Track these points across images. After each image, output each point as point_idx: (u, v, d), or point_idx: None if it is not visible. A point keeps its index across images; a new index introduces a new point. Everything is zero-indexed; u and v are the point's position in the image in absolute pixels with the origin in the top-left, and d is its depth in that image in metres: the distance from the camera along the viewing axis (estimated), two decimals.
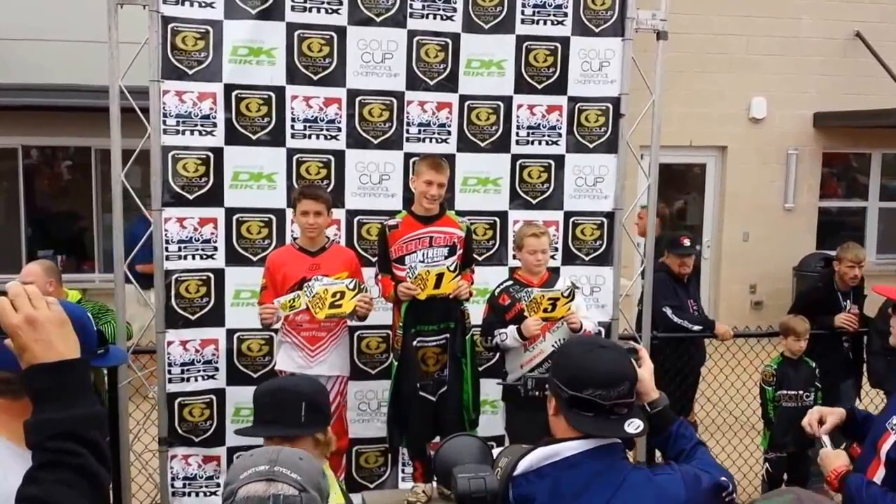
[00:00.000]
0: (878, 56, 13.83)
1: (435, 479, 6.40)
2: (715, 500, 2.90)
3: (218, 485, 6.52)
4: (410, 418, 6.12)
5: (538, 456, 2.85)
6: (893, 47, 14.12)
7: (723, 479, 2.94)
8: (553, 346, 6.05)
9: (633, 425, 2.85)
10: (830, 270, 8.26)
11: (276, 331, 6.25)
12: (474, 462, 2.83)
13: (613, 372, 2.87)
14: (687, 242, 8.15)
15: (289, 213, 6.49)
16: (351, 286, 5.95)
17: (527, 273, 6.31)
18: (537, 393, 3.16)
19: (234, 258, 6.49)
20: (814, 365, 7.60)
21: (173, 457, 6.48)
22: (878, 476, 3.46)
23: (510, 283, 6.35)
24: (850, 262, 7.93)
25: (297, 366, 6.11)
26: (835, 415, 3.89)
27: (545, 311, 6.05)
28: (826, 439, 3.76)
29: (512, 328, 6.10)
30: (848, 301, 7.98)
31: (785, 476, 7.70)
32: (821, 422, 3.87)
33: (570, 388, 2.85)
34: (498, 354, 6.58)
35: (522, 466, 2.84)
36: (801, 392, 7.47)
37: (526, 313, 6.04)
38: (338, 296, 5.92)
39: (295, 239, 6.32)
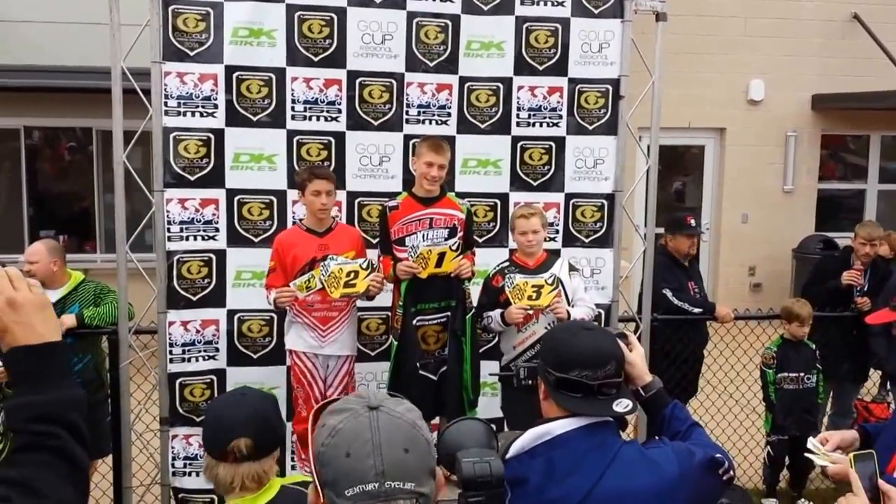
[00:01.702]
0: (877, 38, 13.82)
1: (437, 457, 6.43)
2: (710, 475, 2.89)
3: None
4: (411, 398, 6.12)
5: (530, 437, 2.86)
6: (891, 29, 14.11)
7: (717, 455, 2.92)
8: (546, 328, 6.05)
9: (622, 405, 2.86)
10: (849, 247, 8.33)
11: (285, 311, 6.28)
12: (479, 446, 2.83)
13: (599, 352, 2.88)
14: (693, 222, 8.17)
15: (290, 194, 6.51)
16: (364, 265, 5.98)
17: (521, 255, 6.34)
18: (529, 382, 3.16)
19: (235, 239, 6.51)
20: (814, 347, 7.62)
21: (174, 436, 6.51)
22: None
23: (506, 264, 6.37)
24: (863, 239, 7.96)
25: (307, 346, 6.16)
26: (846, 436, 3.69)
27: (530, 298, 6.04)
28: (822, 460, 3.57)
29: (497, 313, 6.13)
30: (864, 277, 8.00)
31: (787, 460, 7.73)
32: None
33: (558, 371, 2.86)
34: (496, 336, 6.62)
35: (515, 449, 2.86)
36: (802, 374, 7.49)
37: (510, 300, 6.07)
38: (352, 275, 5.96)
39: (301, 220, 6.35)
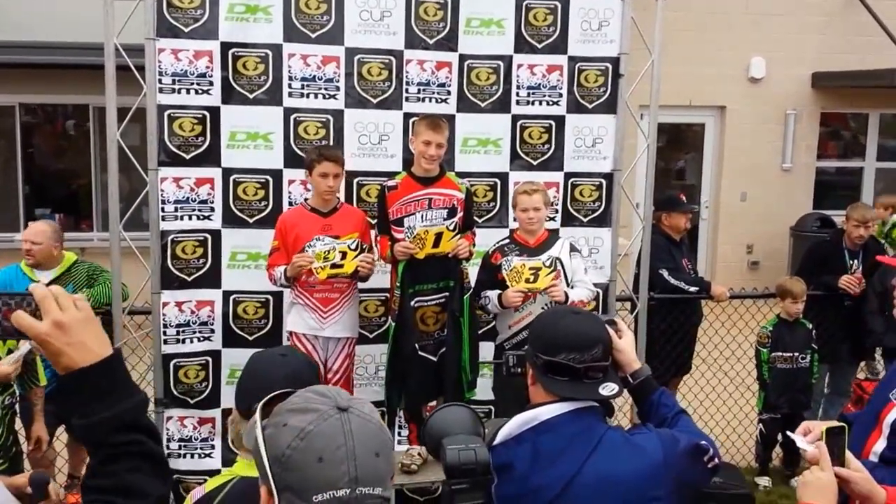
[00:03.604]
0: (877, 16, 13.74)
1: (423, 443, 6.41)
2: (695, 462, 2.90)
3: (213, 447, 6.53)
4: (410, 379, 6.10)
5: (517, 423, 2.86)
6: (892, 7, 14.03)
7: (703, 442, 2.92)
8: (543, 308, 6.00)
9: (608, 388, 2.86)
10: (840, 229, 8.31)
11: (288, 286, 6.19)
12: (465, 433, 2.81)
13: (586, 335, 2.88)
14: (684, 198, 8.26)
15: (286, 174, 6.45)
16: (353, 246, 5.93)
17: (522, 232, 6.28)
18: (519, 370, 3.15)
19: (230, 219, 6.44)
20: (810, 326, 7.63)
21: (169, 418, 6.47)
22: (878, 447, 3.35)
23: (506, 241, 6.32)
24: (856, 221, 7.94)
25: (308, 327, 6.10)
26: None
27: (527, 280, 6.00)
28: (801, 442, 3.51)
29: (494, 294, 6.09)
30: (856, 260, 7.99)
31: (779, 437, 7.74)
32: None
33: (545, 354, 2.86)
34: (495, 316, 6.58)
35: (502, 435, 2.86)
36: (796, 354, 7.50)
37: (508, 283, 6.02)
38: (339, 255, 5.92)
39: (306, 199, 6.28)
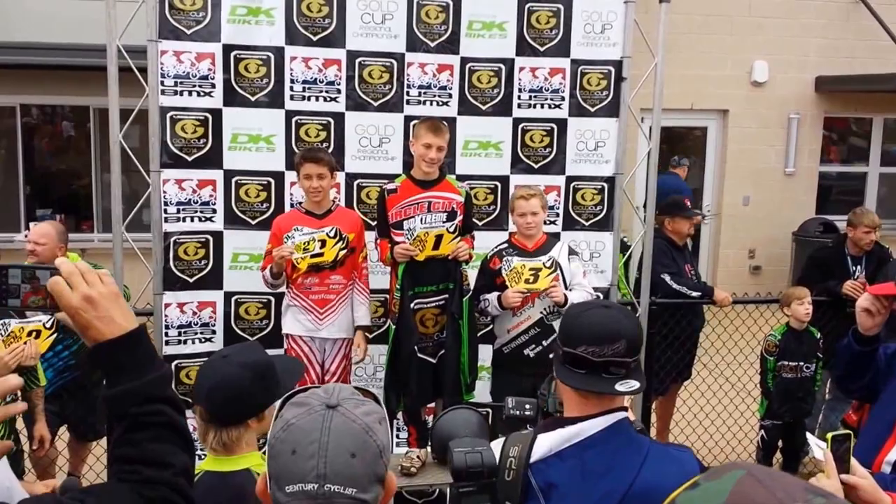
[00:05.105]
0: (881, 20, 13.72)
1: (430, 446, 6.41)
2: None
3: None
4: (410, 381, 6.10)
5: (558, 438, 2.80)
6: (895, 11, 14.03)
7: None
8: (541, 312, 6.05)
9: (626, 385, 2.77)
10: (842, 235, 8.26)
11: (281, 283, 6.16)
12: (471, 436, 2.80)
13: (607, 329, 2.78)
14: (689, 203, 8.22)
15: (287, 175, 6.46)
16: (332, 234, 5.95)
17: (521, 237, 6.28)
18: (517, 413, 3.11)
19: (232, 221, 6.46)
20: (818, 336, 7.55)
21: None
22: (892, 456, 3.35)
23: (504, 246, 6.32)
24: (867, 227, 7.89)
25: (304, 329, 6.10)
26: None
27: (527, 281, 6.01)
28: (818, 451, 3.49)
29: (494, 296, 6.09)
30: (859, 266, 7.96)
31: (780, 444, 7.72)
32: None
33: (565, 346, 2.81)
34: (494, 319, 6.58)
35: (541, 451, 2.79)
36: (801, 363, 7.41)
37: (507, 283, 6.02)
38: (319, 245, 5.94)
39: (300, 203, 6.28)
